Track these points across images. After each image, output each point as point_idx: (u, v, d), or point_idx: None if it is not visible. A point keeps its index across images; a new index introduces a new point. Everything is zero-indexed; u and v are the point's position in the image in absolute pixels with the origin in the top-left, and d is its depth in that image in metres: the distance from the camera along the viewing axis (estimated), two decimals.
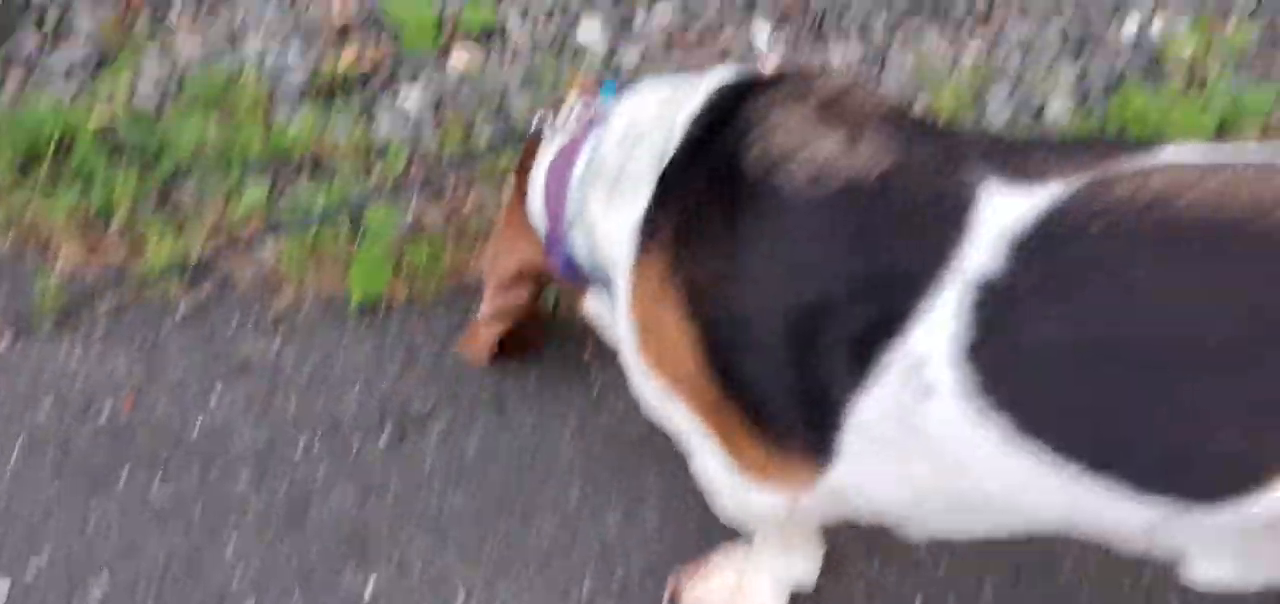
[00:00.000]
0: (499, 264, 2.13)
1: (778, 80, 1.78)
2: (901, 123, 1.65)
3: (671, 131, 1.78)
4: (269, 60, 2.82)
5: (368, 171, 2.65)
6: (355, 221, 2.55)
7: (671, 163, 1.76)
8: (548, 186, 1.96)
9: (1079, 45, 2.80)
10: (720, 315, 1.66)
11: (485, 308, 2.17)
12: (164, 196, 2.61)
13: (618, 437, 2.29)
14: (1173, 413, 1.38)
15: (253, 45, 2.85)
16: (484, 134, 2.69)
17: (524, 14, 2.90)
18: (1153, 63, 2.74)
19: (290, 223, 2.53)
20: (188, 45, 2.84)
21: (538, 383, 2.36)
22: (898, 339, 1.50)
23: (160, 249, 2.51)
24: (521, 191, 2.05)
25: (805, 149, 1.62)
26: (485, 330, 2.19)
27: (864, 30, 2.84)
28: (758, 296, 1.62)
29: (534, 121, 2.04)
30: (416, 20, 2.83)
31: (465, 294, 2.47)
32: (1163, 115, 2.58)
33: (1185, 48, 2.72)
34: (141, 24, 2.88)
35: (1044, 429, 1.44)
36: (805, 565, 2.09)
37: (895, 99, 1.73)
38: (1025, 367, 1.44)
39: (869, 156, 1.59)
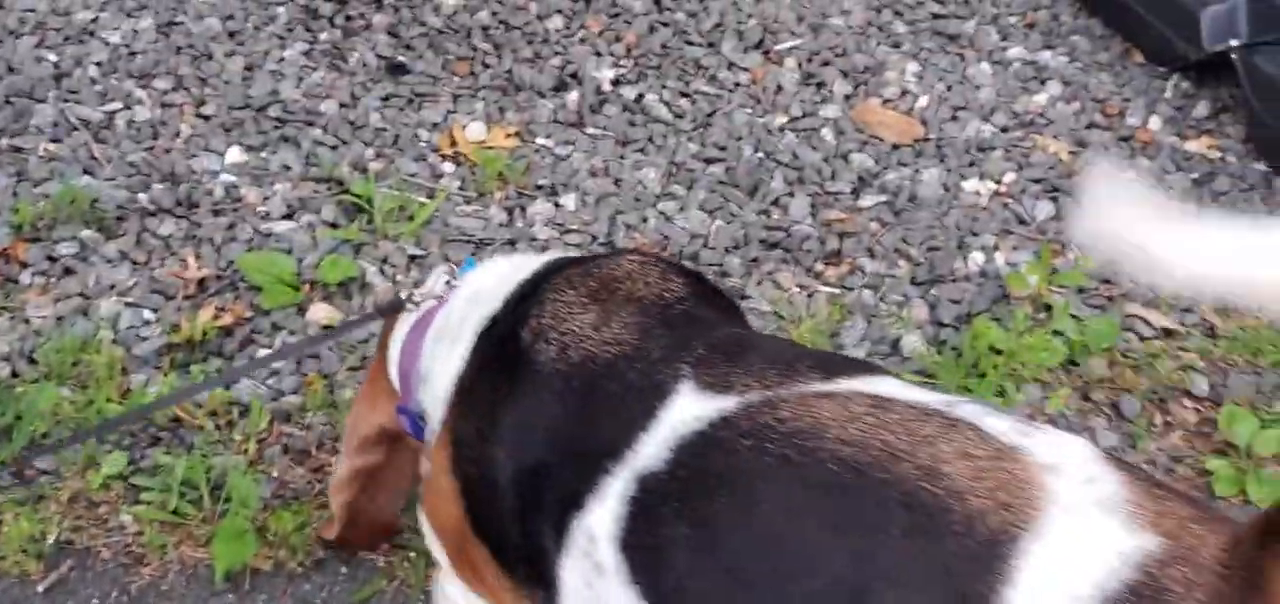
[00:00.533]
0: (359, 425, 2.15)
1: (586, 261, 1.87)
2: (658, 311, 1.73)
3: (498, 299, 1.87)
4: (123, 323, 2.78)
5: (230, 429, 2.61)
6: (216, 489, 2.50)
7: (488, 327, 1.84)
8: (404, 349, 2.02)
9: (928, 282, 2.88)
10: (473, 472, 1.74)
11: (342, 468, 2.17)
12: (19, 470, 2.54)
13: None
14: None
15: (106, 308, 2.81)
16: (348, 389, 2.68)
17: (383, 264, 2.91)
18: (1000, 295, 2.84)
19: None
20: (40, 311, 2.79)
21: None
22: (582, 513, 1.56)
23: (16, 527, 2.44)
24: (383, 358, 2.10)
25: (564, 324, 1.72)
26: (337, 496, 2.18)
27: (722, 270, 2.90)
28: (501, 454, 1.70)
29: (401, 293, 2.10)
30: (274, 277, 2.82)
31: (333, 560, 2.43)
32: (1015, 346, 2.66)
33: (1029, 279, 2.81)
34: None
35: None
36: None
37: (679, 287, 1.80)
38: (657, 566, 1.49)
39: (610, 338, 1.68)
